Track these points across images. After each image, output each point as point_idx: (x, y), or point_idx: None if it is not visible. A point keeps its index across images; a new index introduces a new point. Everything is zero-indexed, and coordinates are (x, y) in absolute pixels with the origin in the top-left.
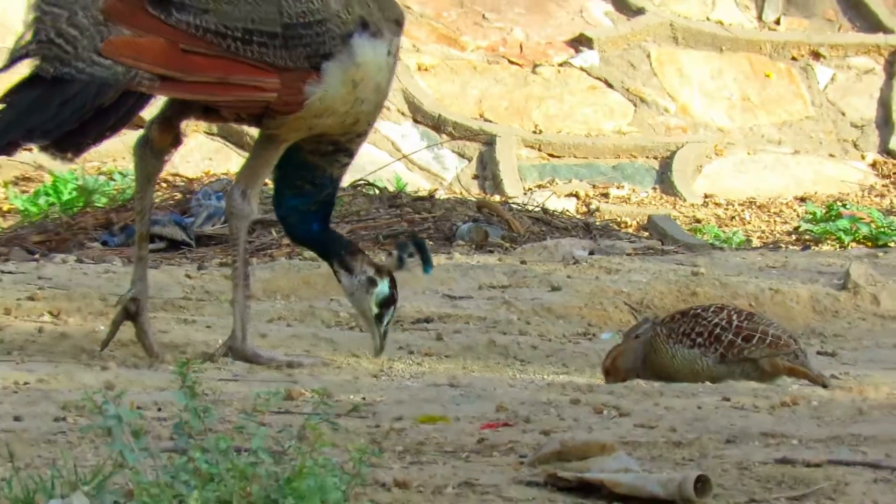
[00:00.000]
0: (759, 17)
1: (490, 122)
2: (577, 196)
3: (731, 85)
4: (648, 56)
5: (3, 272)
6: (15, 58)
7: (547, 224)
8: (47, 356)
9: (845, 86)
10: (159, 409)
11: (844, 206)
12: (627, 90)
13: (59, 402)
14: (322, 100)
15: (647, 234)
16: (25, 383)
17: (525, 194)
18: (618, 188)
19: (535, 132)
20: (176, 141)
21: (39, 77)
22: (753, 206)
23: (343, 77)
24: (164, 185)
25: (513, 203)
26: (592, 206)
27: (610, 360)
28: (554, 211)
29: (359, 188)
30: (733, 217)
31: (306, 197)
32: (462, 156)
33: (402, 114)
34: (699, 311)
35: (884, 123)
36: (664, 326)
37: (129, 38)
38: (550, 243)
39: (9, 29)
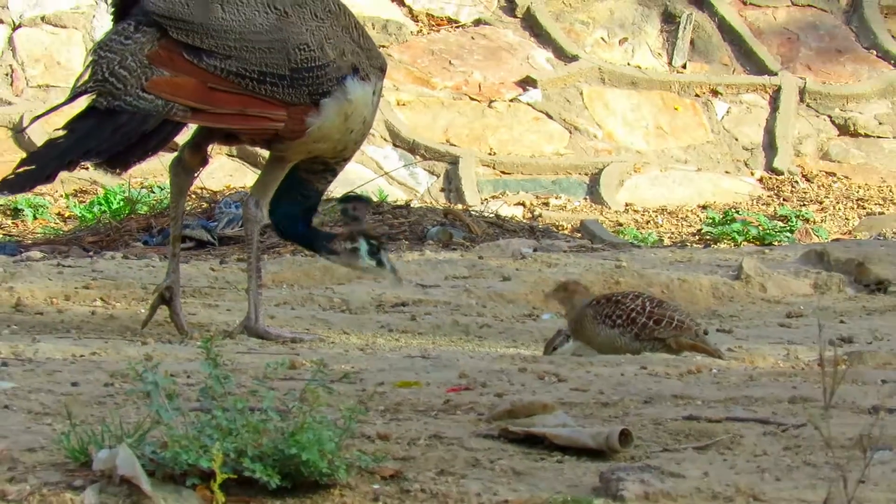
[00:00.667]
0: (670, 63)
1: (454, 146)
2: (523, 205)
3: (647, 116)
4: (581, 93)
5: (63, 266)
6: (76, 93)
7: (499, 227)
8: (99, 334)
9: (738, 117)
10: (188, 377)
11: (737, 212)
12: (564, 120)
13: (108, 370)
14: (320, 129)
15: (579, 235)
16: (81, 356)
17: (482, 203)
18: (556, 199)
19: (490, 154)
20: (203, 161)
21: (95, 109)
22: (665, 213)
23: (338, 111)
24: (193, 196)
25: (472, 210)
26: (536, 213)
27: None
28: (505, 217)
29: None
30: (648, 221)
31: (296, 205)
32: (432, 173)
33: (385, 139)
34: (619, 297)
35: (769, 147)
36: (591, 308)
37: (168, 78)
38: (503, 242)
39: (73, 73)
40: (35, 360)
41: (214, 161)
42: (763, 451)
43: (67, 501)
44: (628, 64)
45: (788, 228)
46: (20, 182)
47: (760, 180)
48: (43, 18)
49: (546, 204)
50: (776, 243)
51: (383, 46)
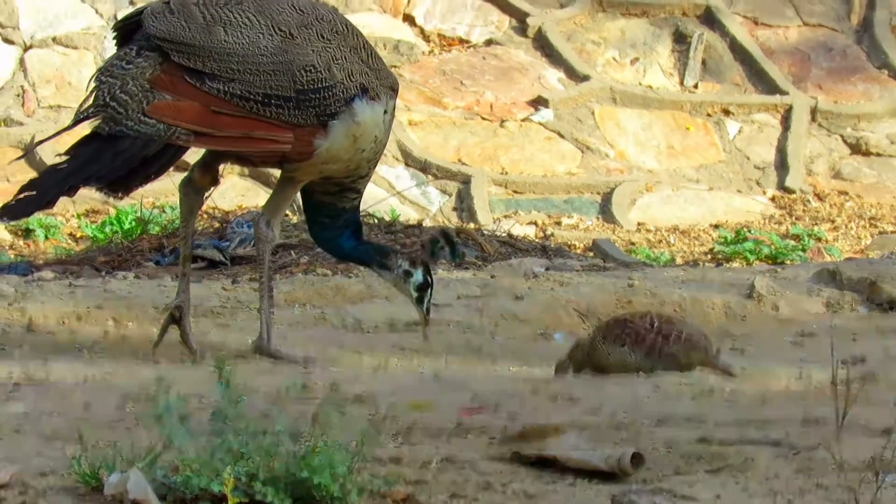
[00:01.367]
0: (681, 83)
1: (466, 165)
2: (535, 224)
3: (659, 136)
4: (593, 113)
5: (75, 286)
6: (78, 119)
7: (512, 246)
8: (111, 354)
9: (750, 136)
10: (200, 399)
11: (750, 231)
12: (576, 140)
13: (120, 392)
14: (328, 150)
15: (591, 254)
16: (93, 377)
17: (494, 223)
18: (568, 218)
19: (502, 173)
20: (214, 181)
21: (97, 134)
22: (677, 232)
23: (346, 132)
24: (205, 216)
25: (484, 230)
26: (548, 232)
27: (568, 355)
28: (517, 236)
29: (361, 218)
30: (661, 241)
31: (329, 228)
32: (444, 192)
33: (397, 159)
34: (627, 317)
35: (780, 166)
36: (601, 331)
37: (170, 102)
38: (515, 262)
39: (85, 94)
40: (47, 381)
41: (226, 181)
42: (775, 473)
43: None
44: (640, 84)
45: (801, 247)
46: (21, 208)
47: (772, 199)
48: (54, 39)
49: (558, 223)
50: (788, 262)
51: (395, 67)
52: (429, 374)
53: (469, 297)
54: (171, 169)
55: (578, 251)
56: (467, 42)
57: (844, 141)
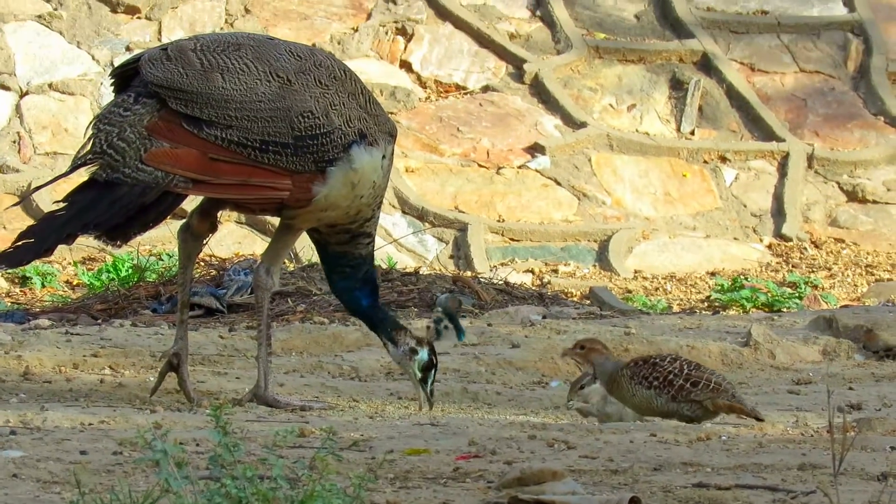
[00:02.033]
0: (678, 129)
1: (463, 212)
2: (532, 272)
3: (656, 183)
4: (589, 160)
5: (72, 333)
6: (76, 165)
7: (508, 294)
8: (107, 402)
9: (746, 183)
10: (198, 445)
11: (746, 279)
12: (573, 187)
13: (117, 439)
14: (327, 197)
15: (588, 302)
16: (90, 424)
17: (491, 270)
18: (565, 265)
19: (499, 221)
20: (212, 228)
21: (95, 181)
22: (673, 280)
23: (344, 179)
24: (202, 263)
25: (481, 277)
26: (545, 280)
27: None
28: (514, 284)
29: None
30: (657, 288)
31: (350, 279)
32: (441, 240)
33: (393, 206)
34: (657, 359)
35: (777, 213)
36: (627, 369)
37: (168, 150)
38: (511, 309)
39: (81, 140)
40: (43, 428)
41: (223, 228)
42: None
43: None
44: (636, 130)
45: (797, 295)
46: (18, 256)
47: (769, 247)
48: (50, 85)
49: (555, 271)
50: (785, 310)
51: (392, 113)
52: (426, 420)
53: (466, 345)
54: (169, 216)
55: (575, 299)
56: (464, 88)
57: (841, 188)
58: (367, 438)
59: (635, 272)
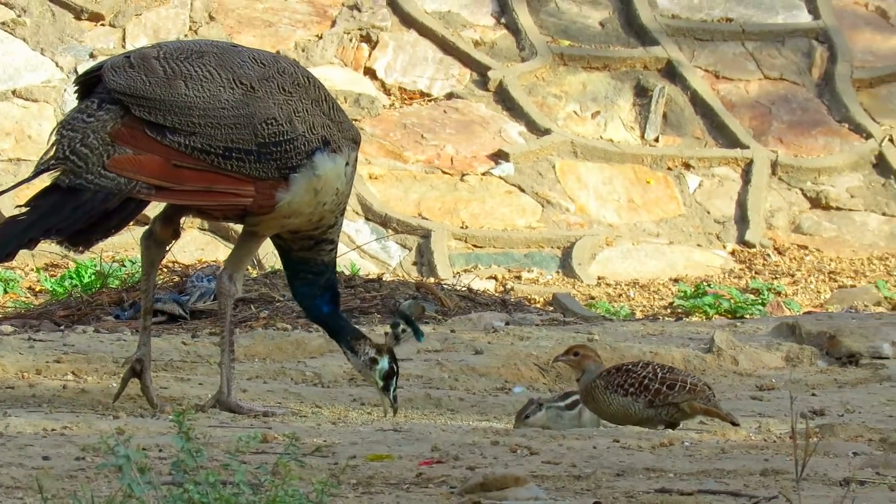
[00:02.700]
0: (642, 136)
1: (426, 219)
2: (495, 278)
3: (619, 190)
4: (553, 167)
5: (35, 340)
6: (39, 170)
7: (472, 301)
8: (70, 407)
9: (710, 190)
10: (160, 450)
11: (709, 285)
12: (536, 194)
13: (80, 444)
14: (290, 204)
15: (551, 308)
16: (53, 429)
17: (454, 277)
18: (528, 272)
19: (462, 227)
20: (175, 234)
21: (58, 186)
22: (637, 286)
23: (307, 186)
24: (165, 270)
25: (444, 284)
26: (508, 287)
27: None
28: (477, 290)
29: None
30: (620, 294)
31: (311, 285)
32: (404, 246)
33: (357, 213)
34: (629, 366)
35: (741, 220)
36: (601, 379)
37: (131, 156)
38: (474, 316)
39: (45, 147)
40: (6, 434)
41: (186, 235)
42: None
43: None
44: (601, 137)
45: (760, 301)
46: None
47: (732, 253)
48: (14, 92)
49: (518, 277)
50: (748, 316)
51: (356, 120)
52: (388, 426)
53: (429, 350)
54: (132, 223)
55: (538, 305)
56: (428, 95)
57: (804, 195)
58: (330, 444)
59: (599, 279)
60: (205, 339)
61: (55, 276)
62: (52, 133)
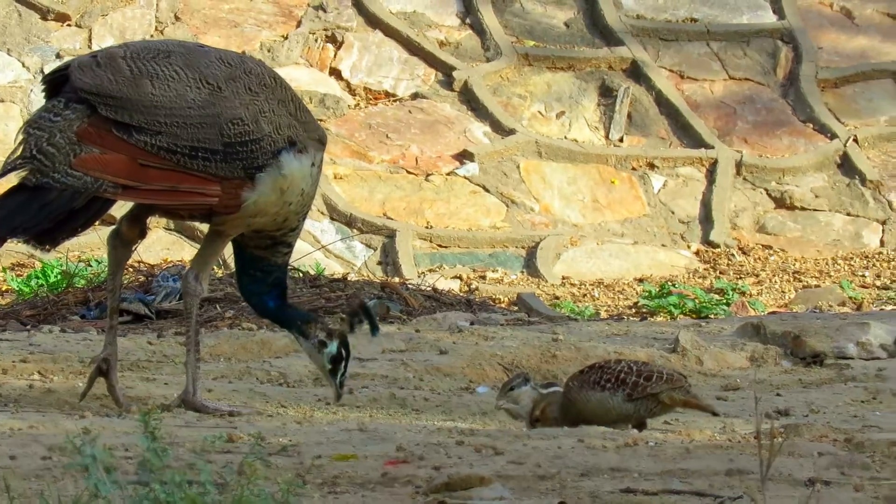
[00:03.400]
0: (607, 137)
1: (391, 219)
2: (460, 278)
3: (584, 190)
4: (518, 167)
5: (1, 339)
6: (5, 170)
7: (436, 300)
8: (36, 407)
9: (675, 190)
10: (126, 450)
11: (674, 285)
12: (501, 194)
13: (46, 444)
14: (256, 203)
15: (516, 308)
16: (19, 429)
17: (419, 277)
18: (493, 272)
19: (427, 227)
20: (142, 234)
21: (24, 185)
22: (601, 286)
23: (273, 185)
24: (131, 269)
25: (409, 284)
26: (473, 286)
27: (539, 411)
28: (442, 290)
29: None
30: (585, 294)
31: (258, 283)
32: (369, 246)
33: (322, 213)
34: (602, 363)
35: (705, 220)
36: (575, 380)
37: (97, 155)
38: (439, 316)
39: (10, 147)
40: None
41: (152, 234)
42: None
43: None
44: (565, 137)
45: (725, 301)
46: None
47: (697, 253)
48: None
49: (483, 277)
50: (712, 316)
51: (321, 120)
52: (354, 426)
53: (394, 350)
54: (98, 222)
55: (503, 305)
56: (394, 96)
57: (769, 195)
58: (296, 444)
59: (563, 278)
60: (170, 339)
61: (21, 275)
62: (18, 132)
